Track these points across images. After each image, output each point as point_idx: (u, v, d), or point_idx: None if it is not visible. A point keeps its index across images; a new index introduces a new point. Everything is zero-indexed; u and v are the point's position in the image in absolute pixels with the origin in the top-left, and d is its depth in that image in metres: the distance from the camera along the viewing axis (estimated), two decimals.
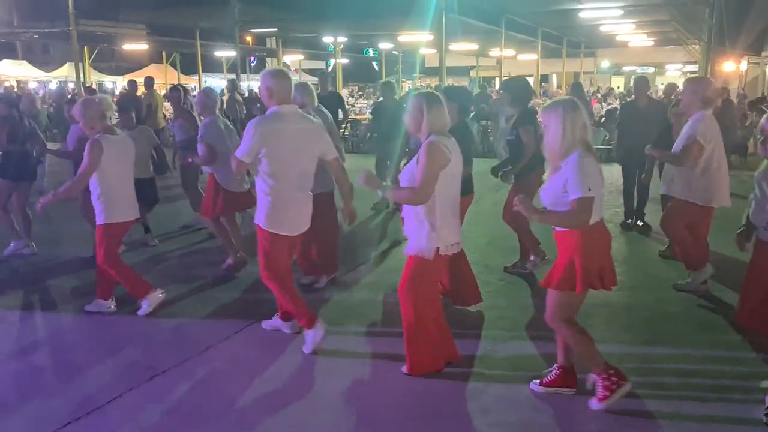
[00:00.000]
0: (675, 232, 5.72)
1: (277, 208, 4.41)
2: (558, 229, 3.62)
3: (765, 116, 3.85)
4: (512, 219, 6.04)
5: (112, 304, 5.40)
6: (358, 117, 19.06)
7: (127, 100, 13.11)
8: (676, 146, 5.46)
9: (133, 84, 14.54)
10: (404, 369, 4.23)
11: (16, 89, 24.50)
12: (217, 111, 6.53)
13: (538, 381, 3.98)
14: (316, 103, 5.89)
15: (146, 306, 5.30)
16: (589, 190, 3.43)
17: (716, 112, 5.72)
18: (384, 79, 15.98)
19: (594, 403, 3.74)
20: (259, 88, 5.08)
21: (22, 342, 4.92)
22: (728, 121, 10.63)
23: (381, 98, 9.32)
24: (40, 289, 6.12)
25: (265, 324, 4.96)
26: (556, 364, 3.97)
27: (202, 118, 6.63)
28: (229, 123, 6.75)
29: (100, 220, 5.17)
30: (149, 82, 14.43)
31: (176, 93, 8.27)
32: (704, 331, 4.93)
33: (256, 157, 4.32)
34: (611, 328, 4.95)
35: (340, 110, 9.98)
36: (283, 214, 4.42)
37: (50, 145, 8.85)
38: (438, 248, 3.97)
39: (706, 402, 3.87)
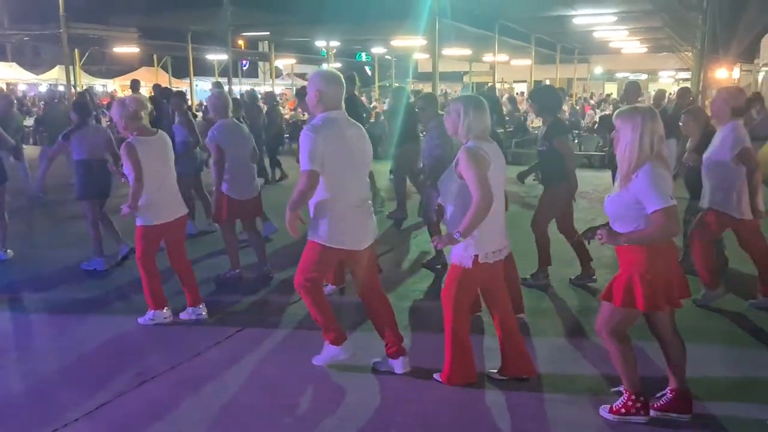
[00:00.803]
0: (706, 247, 5.42)
1: (336, 221, 4.02)
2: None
3: None
4: (541, 229, 5.96)
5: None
6: None
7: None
8: (720, 156, 5.18)
9: (136, 83, 14.49)
10: (437, 376, 4.12)
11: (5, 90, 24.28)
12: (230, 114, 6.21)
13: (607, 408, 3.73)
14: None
15: (150, 317, 5.14)
16: (671, 198, 3.26)
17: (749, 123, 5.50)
18: (396, 85, 15.93)
19: (605, 410, 3.69)
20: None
21: (7, 347, 4.83)
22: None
23: (393, 103, 9.12)
24: (28, 292, 6.01)
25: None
26: (668, 387, 3.73)
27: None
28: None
29: (138, 222, 5.04)
30: (135, 84, 14.33)
31: (177, 99, 8.38)
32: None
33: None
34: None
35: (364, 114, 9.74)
36: (342, 225, 4.03)
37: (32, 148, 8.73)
38: (477, 256, 3.83)
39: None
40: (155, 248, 5.11)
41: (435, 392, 4.02)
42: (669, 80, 40.24)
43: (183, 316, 5.20)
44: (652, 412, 3.66)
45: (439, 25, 15.59)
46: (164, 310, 5.15)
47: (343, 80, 4.14)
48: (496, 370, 4.17)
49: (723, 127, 5.25)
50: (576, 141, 16.77)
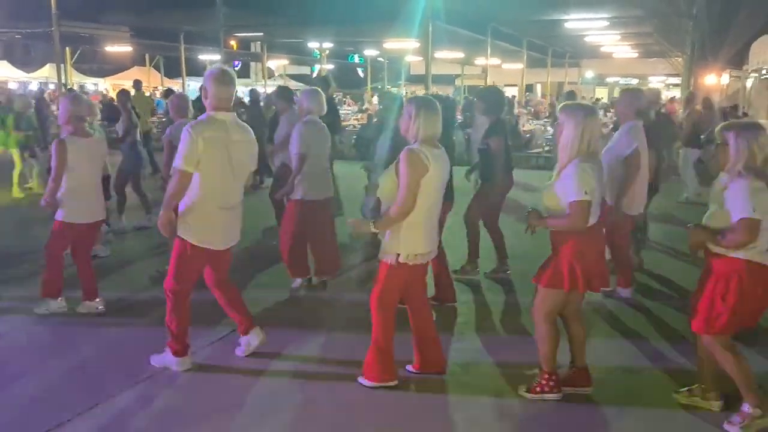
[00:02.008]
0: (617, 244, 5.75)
1: (204, 221, 4.16)
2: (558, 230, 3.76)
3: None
4: (472, 222, 6.31)
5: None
6: (344, 123, 19.03)
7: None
8: (614, 153, 5.48)
9: (138, 84, 14.61)
10: (361, 379, 4.16)
11: None
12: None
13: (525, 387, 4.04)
14: (324, 111, 5.82)
15: (44, 308, 5.31)
16: (586, 193, 3.56)
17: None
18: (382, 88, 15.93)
19: (522, 390, 4.02)
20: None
21: (3, 347, 4.83)
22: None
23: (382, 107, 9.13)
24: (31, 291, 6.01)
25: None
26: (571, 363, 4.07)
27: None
28: None
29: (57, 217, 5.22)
30: (138, 84, 14.40)
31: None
32: None
33: None
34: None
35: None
36: (210, 226, 4.18)
37: None
38: (398, 255, 3.89)
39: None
40: (67, 245, 5.31)
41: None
42: (659, 85, 40.43)
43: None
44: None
45: (432, 28, 15.66)
46: (59, 300, 5.33)
47: (235, 80, 4.18)
48: (411, 366, 4.30)
49: (621, 126, 5.60)
50: None
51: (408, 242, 3.89)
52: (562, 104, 3.82)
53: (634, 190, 5.48)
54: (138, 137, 8.58)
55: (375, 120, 14.44)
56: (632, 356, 4.70)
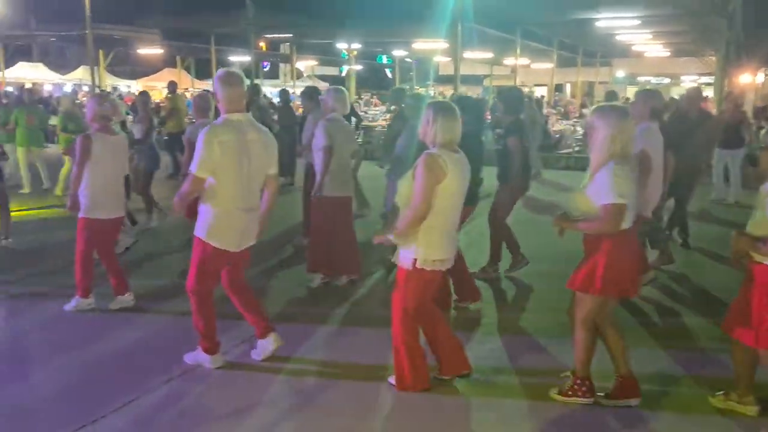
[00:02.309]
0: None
1: (221, 221, 4.18)
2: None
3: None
4: (497, 224, 6.29)
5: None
6: (371, 124, 19.11)
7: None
8: None
9: (173, 85, 14.82)
10: (391, 380, 4.15)
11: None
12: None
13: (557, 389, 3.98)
14: (348, 110, 5.91)
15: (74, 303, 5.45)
16: (620, 196, 3.46)
17: None
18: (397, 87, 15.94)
19: (554, 392, 3.96)
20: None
21: (38, 344, 4.91)
22: None
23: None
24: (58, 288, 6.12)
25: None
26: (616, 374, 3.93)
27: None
28: None
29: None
30: (172, 86, 14.59)
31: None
32: None
33: None
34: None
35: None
36: (227, 226, 4.20)
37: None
38: (415, 260, 3.84)
39: None
40: (95, 241, 5.38)
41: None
42: (692, 85, 39.80)
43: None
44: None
45: (462, 29, 15.60)
46: (90, 297, 5.45)
47: (244, 80, 4.18)
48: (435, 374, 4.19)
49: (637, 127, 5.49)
50: None
51: (425, 247, 3.84)
52: (594, 106, 3.73)
53: (645, 191, 5.35)
54: (154, 138, 8.75)
55: (393, 120, 14.46)
56: (665, 361, 4.63)
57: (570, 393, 3.91)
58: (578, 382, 3.90)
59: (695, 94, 8.02)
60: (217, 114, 4.28)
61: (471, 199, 5.08)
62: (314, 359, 4.59)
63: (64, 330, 5.15)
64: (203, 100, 6.48)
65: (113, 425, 3.72)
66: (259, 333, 4.49)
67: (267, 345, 4.47)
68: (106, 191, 5.30)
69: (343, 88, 6.19)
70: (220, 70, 4.21)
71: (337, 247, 6.04)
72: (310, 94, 7.44)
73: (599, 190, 3.53)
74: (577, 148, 17.02)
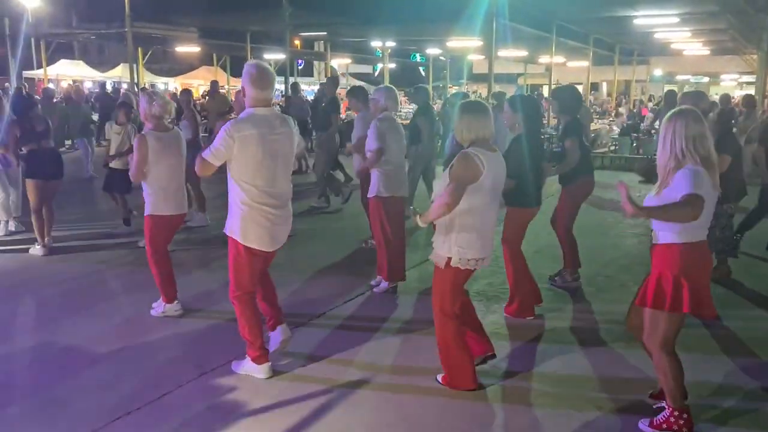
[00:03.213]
0: None
1: (250, 221, 4.14)
2: (659, 243, 3.46)
3: None
4: (564, 229, 6.07)
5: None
6: (404, 122, 19.07)
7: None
8: None
9: (215, 84, 15.21)
10: (440, 378, 4.18)
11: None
12: None
13: (648, 421, 3.63)
14: (399, 108, 5.87)
15: (160, 310, 5.39)
16: (699, 189, 3.21)
17: None
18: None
19: (644, 424, 3.62)
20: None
21: (70, 338, 5.00)
22: None
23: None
24: (90, 283, 6.25)
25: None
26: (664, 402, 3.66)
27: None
28: None
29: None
30: (215, 85, 14.91)
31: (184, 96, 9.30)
32: None
33: None
34: None
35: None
36: (257, 225, 4.14)
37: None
38: (450, 258, 3.87)
39: None
40: (164, 239, 5.36)
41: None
42: (731, 83, 38.95)
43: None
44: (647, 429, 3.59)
45: (496, 26, 15.47)
46: (176, 303, 5.39)
47: (273, 74, 4.10)
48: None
49: None
50: (634, 144, 16.43)
51: (461, 246, 3.86)
52: (669, 114, 3.50)
53: None
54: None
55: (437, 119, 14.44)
56: (726, 373, 4.42)
57: (665, 426, 3.54)
58: (675, 414, 3.52)
59: (749, 99, 7.92)
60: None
61: (533, 200, 5.19)
62: (357, 359, 4.63)
63: (101, 322, 5.27)
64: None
65: (147, 418, 3.79)
66: (270, 324, 4.47)
67: (276, 336, 4.46)
68: (168, 188, 5.26)
69: (393, 87, 6.16)
70: (249, 63, 4.12)
71: (392, 248, 5.93)
72: (358, 93, 7.43)
73: (678, 188, 3.26)
74: (612, 148, 16.79)
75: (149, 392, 4.04)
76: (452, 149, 5.95)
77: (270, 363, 4.31)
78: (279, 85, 31.73)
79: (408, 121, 17.57)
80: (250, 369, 4.29)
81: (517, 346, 4.82)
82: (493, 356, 4.27)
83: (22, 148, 7.35)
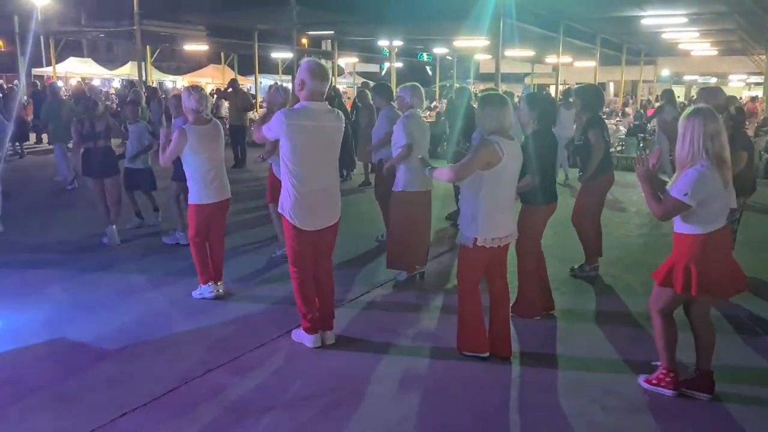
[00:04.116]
0: None
1: (300, 202, 4.53)
2: (677, 231, 3.82)
3: None
4: (580, 222, 6.38)
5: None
6: None
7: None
8: None
9: (235, 83, 15.20)
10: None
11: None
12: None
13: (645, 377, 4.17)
14: (425, 105, 6.04)
15: (197, 292, 5.74)
16: (685, 195, 3.61)
17: None
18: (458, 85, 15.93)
19: (642, 379, 4.18)
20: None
21: (79, 333, 5.03)
22: None
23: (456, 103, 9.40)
24: (97, 274, 6.31)
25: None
26: (695, 367, 4.07)
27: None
28: None
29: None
30: (234, 84, 15.01)
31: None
32: None
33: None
34: None
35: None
36: (306, 207, 4.56)
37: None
38: (476, 239, 4.29)
39: None
40: (205, 225, 5.65)
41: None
42: (740, 84, 38.81)
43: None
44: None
45: (503, 26, 15.46)
46: (210, 285, 5.71)
47: (329, 72, 4.56)
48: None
49: None
50: (641, 144, 16.38)
51: (484, 228, 4.28)
52: (687, 112, 3.75)
53: None
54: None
55: (443, 118, 14.47)
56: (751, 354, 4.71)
57: (654, 381, 4.08)
58: (663, 371, 4.05)
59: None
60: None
61: (552, 196, 5.35)
62: (396, 341, 4.76)
63: (105, 322, 5.31)
64: (279, 94, 6.65)
65: (153, 414, 3.83)
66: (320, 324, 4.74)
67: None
68: (207, 177, 5.56)
69: (418, 85, 6.38)
70: (308, 59, 4.47)
71: (413, 240, 6.14)
72: (382, 91, 7.50)
73: (677, 183, 3.68)
74: (619, 148, 16.76)
75: (155, 388, 4.08)
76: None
77: (319, 334, 4.69)
78: (285, 84, 31.83)
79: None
80: (302, 337, 4.72)
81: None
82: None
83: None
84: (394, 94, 7.35)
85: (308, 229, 4.50)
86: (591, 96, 6.51)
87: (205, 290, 5.70)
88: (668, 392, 4.01)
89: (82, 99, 9.23)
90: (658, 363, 4.12)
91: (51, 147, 12.49)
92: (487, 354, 4.50)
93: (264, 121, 4.71)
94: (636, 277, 6.48)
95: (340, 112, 4.62)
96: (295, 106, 4.41)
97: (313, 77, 4.34)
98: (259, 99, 23.83)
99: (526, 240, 5.21)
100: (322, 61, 4.48)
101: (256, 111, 16.17)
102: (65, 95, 15.60)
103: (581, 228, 6.41)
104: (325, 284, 4.75)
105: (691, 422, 3.80)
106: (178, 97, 7.14)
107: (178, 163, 7.28)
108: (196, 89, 5.71)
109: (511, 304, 4.89)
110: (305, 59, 4.47)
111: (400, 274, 6.24)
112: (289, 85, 6.05)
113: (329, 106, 4.58)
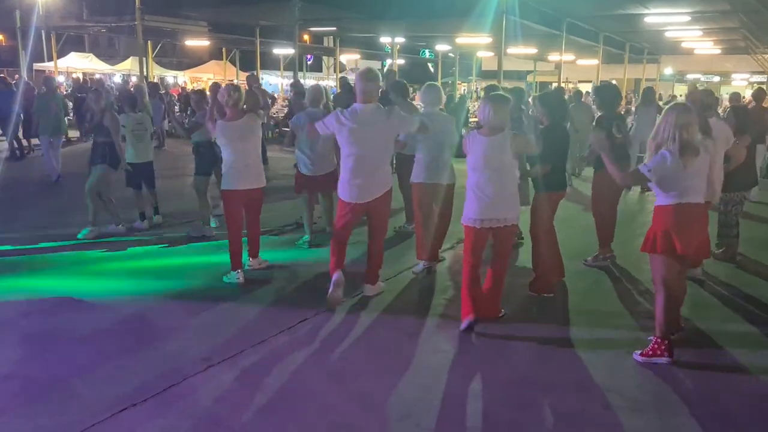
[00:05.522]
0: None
1: (348, 180, 5.41)
2: (656, 204, 4.38)
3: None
4: (598, 212, 6.69)
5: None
6: None
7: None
8: None
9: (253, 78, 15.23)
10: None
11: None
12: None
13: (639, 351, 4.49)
14: (441, 104, 6.48)
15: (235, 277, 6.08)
16: (649, 171, 4.19)
17: None
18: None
19: (636, 354, 4.47)
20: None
21: (80, 328, 5.03)
22: None
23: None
24: (103, 270, 6.29)
25: None
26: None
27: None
28: None
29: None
30: (252, 79, 14.98)
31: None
32: None
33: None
34: None
35: None
36: (354, 184, 5.39)
37: None
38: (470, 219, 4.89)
39: None
40: (237, 212, 6.07)
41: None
42: (742, 83, 38.71)
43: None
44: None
45: (506, 23, 15.44)
46: (238, 272, 6.05)
47: (379, 77, 5.38)
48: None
49: None
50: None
51: (467, 209, 4.90)
52: (666, 107, 4.33)
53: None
54: None
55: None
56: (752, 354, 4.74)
57: (650, 353, 4.39)
58: (657, 342, 4.38)
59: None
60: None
61: (561, 184, 5.81)
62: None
63: (103, 314, 5.29)
64: (317, 92, 7.29)
65: (154, 409, 3.82)
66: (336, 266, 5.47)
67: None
68: (243, 166, 5.97)
69: (436, 84, 6.66)
70: (364, 68, 5.38)
71: (420, 232, 6.38)
72: (398, 88, 7.50)
73: (651, 161, 4.23)
74: None
75: (156, 384, 4.06)
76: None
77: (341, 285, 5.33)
78: (286, 80, 31.86)
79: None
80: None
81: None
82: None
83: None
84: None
85: (347, 200, 5.42)
86: (608, 95, 6.78)
87: (232, 275, 6.02)
88: (663, 360, 4.34)
89: (87, 91, 9.23)
90: (651, 337, 4.45)
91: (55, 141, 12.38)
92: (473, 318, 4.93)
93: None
94: (646, 266, 6.40)
95: (394, 108, 5.50)
96: (348, 108, 5.31)
97: (360, 81, 5.28)
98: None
99: (546, 221, 5.71)
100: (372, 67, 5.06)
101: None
102: (65, 91, 15.52)
103: (600, 217, 6.67)
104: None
105: (694, 420, 3.77)
106: (199, 93, 7.51)
107: (200, 158, 7.53)
108: (229, 86, 6.14)
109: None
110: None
111: (417, 266, 6.44)
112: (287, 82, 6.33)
113: (380, 106, 5.34)
